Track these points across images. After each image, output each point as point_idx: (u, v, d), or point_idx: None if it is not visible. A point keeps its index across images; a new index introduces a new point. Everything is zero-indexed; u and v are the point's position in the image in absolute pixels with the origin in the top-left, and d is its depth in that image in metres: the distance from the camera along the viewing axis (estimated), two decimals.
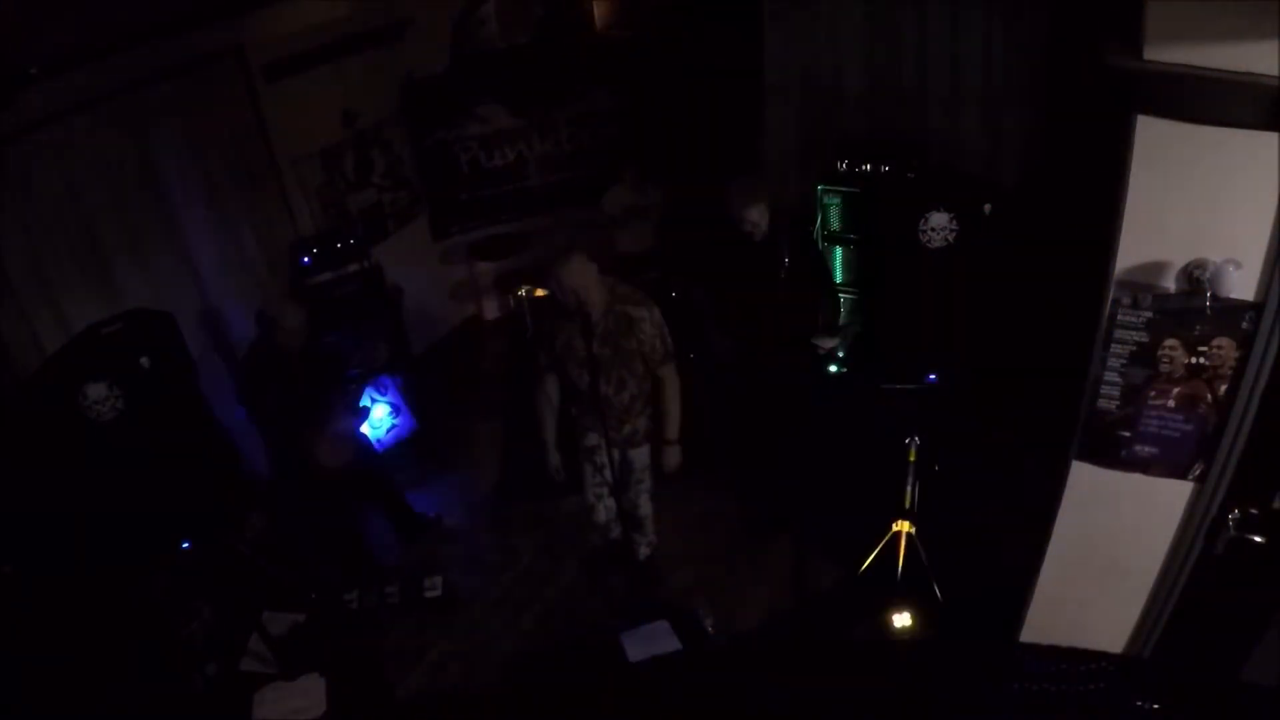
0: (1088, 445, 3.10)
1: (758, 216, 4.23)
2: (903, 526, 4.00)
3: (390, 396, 5.43)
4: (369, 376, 4.44)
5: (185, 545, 4.14)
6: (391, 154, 6.04)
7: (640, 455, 4.09)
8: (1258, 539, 2.98)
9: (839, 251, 5.30)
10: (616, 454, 3.95)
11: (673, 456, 4.02)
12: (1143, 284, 2.75)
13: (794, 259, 4.37)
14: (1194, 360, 2.79)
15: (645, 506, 4.27)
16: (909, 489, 3.96)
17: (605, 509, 4.28)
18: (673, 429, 3.97)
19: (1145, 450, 3.01)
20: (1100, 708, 3.30)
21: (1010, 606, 3.67)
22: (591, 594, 4.54)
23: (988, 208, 4.50)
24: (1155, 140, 2.57)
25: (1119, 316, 2.82)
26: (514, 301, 6.59)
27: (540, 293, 5.69)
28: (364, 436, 4.67)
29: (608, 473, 3.97)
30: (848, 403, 5.24)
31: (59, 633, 3.53)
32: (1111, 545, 3.27)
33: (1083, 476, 3.17)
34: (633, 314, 3.73)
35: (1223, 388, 2.80)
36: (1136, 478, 3.07)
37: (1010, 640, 3.67)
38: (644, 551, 4.45)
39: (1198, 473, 2.98)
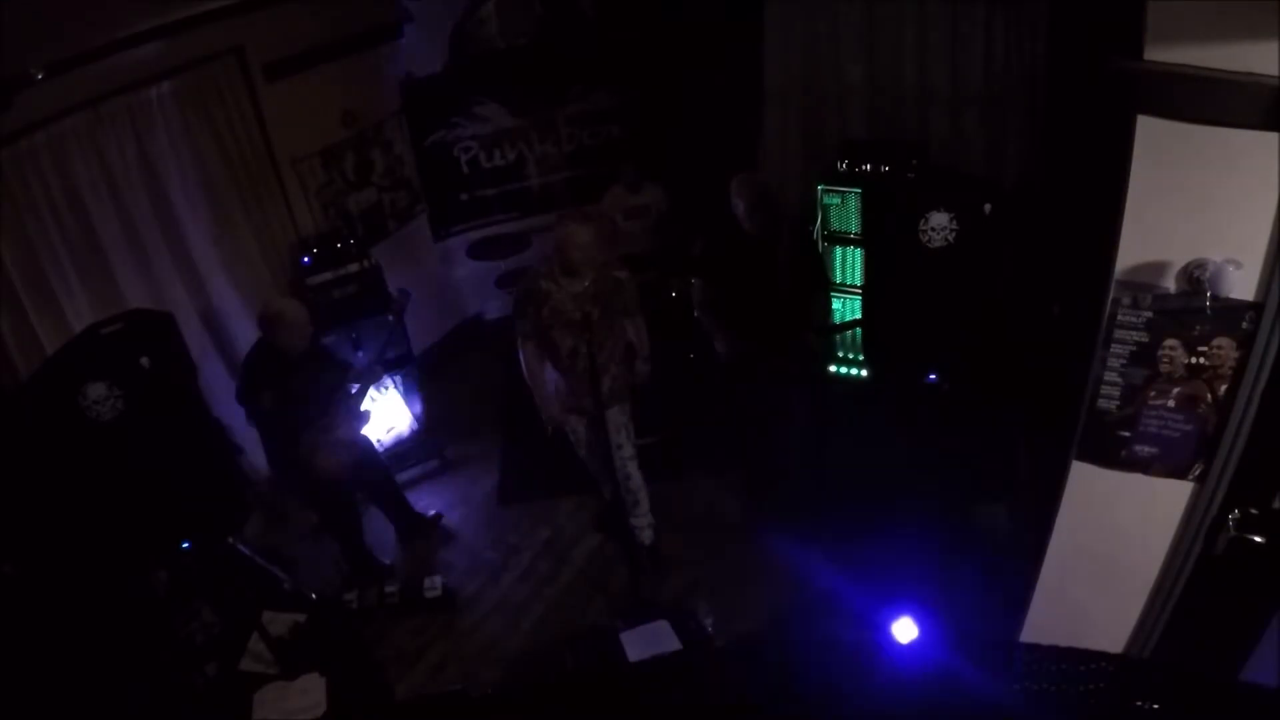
0: (1088, 445, 3.10)
1: (759, 212, 4.23)
2: (901, 525, 3.99)
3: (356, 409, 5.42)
4: (366, 390, 4.46)
5: (185, 545, 4.13)
6: (391, 154, 6.04)
7: (614, 415, 4.21)
8: (1258, 539, 2.98)
9: (839, 251, 5.30)
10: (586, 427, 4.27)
11: (643, 366, 4.34)
12: (1143, 284, 2.76)
13: (794, 259, 4.38)
14: (1194, 360, 2.79)
15: (636, 476, 4.36)
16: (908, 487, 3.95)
17: (591, 460, 4.49)
18: (644, 348, 4.31)
19: (1145, 450, 3.01)
20: (1100, 707, 3.31)
21: (1010, 607, 3.68)
22: (592, 594, 4.55)
23: (988, 208, 4.49)
24: (1155, 140, 2.57)
25: (1119, 316, 2.82)
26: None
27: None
28: (365, 438, 4.66)
29: (590, 441, 4.38)
30: (848, 402, 5.24)
31: (59, 633, 3.53)
32: (1111, 545, 3.27)
33: (1083, 476, 3.18)
34: (618, 275, 4.10)
35: (1223, 388, 2.80)
36: (1136, 478, 3.07)
37: (1010, 640, 3.67)
38: (647, 535, 4.47)
39: (1198, 473, 2.98)
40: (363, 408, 4.44)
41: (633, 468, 4.34)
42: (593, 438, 4.34)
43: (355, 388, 4.38)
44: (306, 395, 4.19)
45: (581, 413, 4.25)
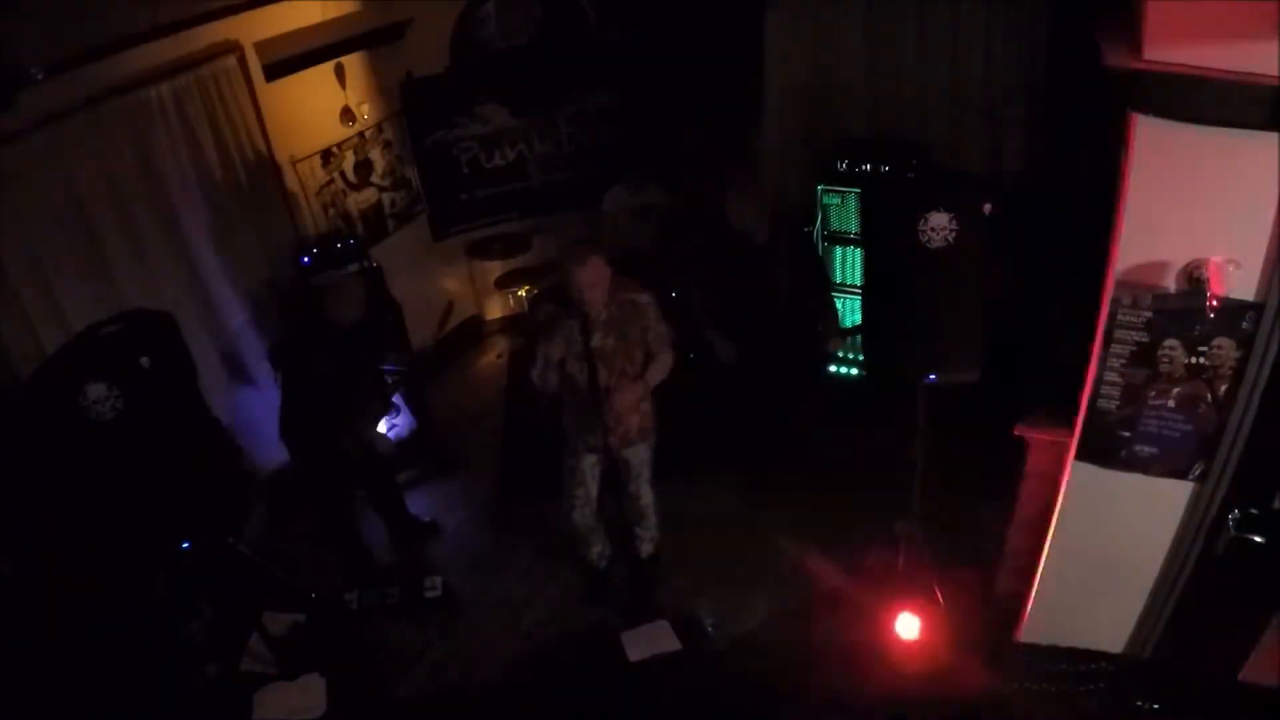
0: (1088, 445, 3.10)
1: (755, 220, 4.24)
2: (904, 526, 3.99)
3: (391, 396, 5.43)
4: (401, 377, 4.50)
5: (185, 545, 4.13)
6: (391, 154, 6.05)
7: (637, 452, 4.09)
8: (1258, 539, 2.99)
9: (839, 251, 5.30)
10: (602, 465, 4.01)
11: (633, 392, 3.81)
12: (1143, 284, 2.76)
13: (794, 260, 4.38)
14: (1194, 360, 2.79)
15: (646, 495, 4.27)
16: (912, 488, 3.96)
17: (581, 515, 4.26)
18: (650, 376, 3.85)
19: (1145, 450, 3.01)
20: (1100, 708, 3.31)
21: (1010, 606, 3.68)
22: (591, 596, 4.54)
23: (988, 208, 4.49)
24: (1155, 140, 2.57)
25: (1119, 316, 2.83)
26: (516, 302, 6.61)
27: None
28: (381, 434, 4.67)
29: (590, 489, 4.11)
30: (848, 402, 5.25)
31: (59, 633, 3.53)
32: (1111, 545, 3.27)
33: (1083, 476, 3.18)
34: (637, 300, 3.79)
35: (1223, 388, 2.80)
36: (1136, 478, 3.07)
37: (1010, 640, 3.67)
38: (646, 549, 4.45)
39: (1198, 473, 2.98)
40: (391, 400, 4.45)
41: (647, 487, 4.25)
42: (595, 484, 4.14)
43: (391, 377, 4.40)
44: (343, 370, 4.20)
45: (592, 450, 4.02)
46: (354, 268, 4.80)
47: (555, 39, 6.26)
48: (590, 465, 4.08)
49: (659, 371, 3.88)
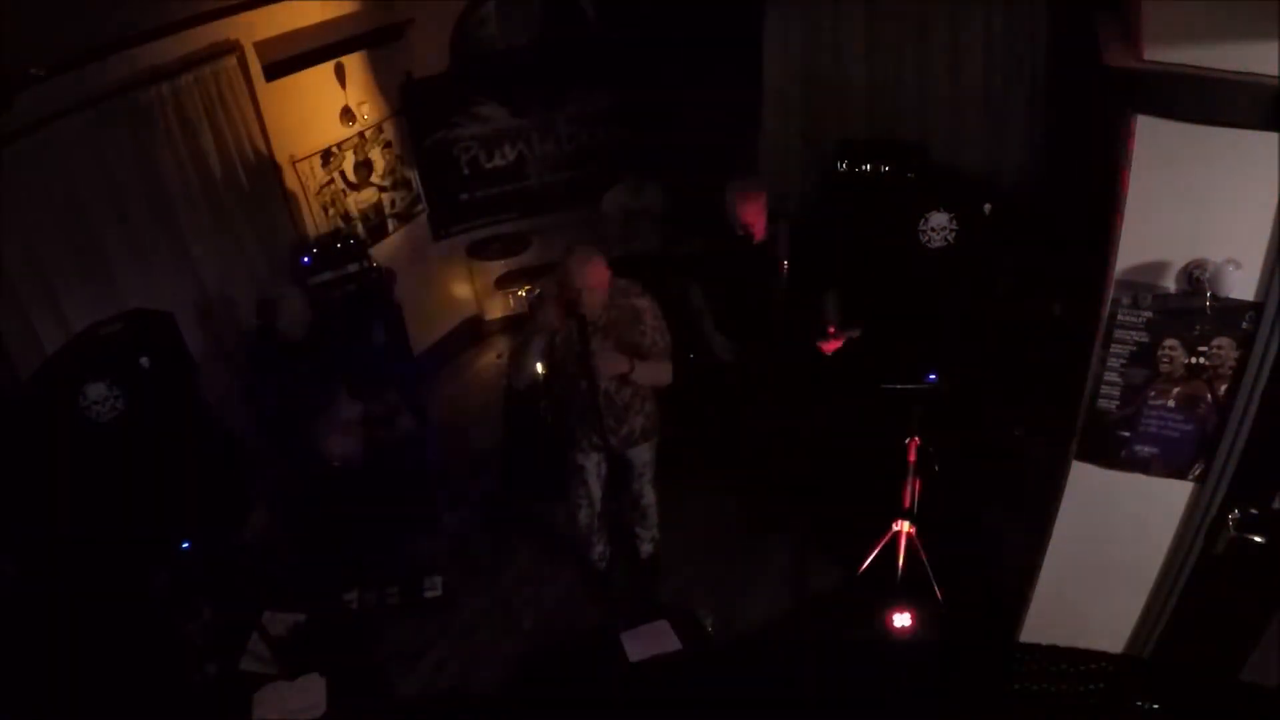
0: (1088, 445, 3.10)
1: (754, 218, 4.24)
2: (902, 526, 4.00)
3: (390, 396, 5.43)
4: (371, 361, 4.48)
5: (185, 545, 4.13)
6: (391, 154, 6.05)
7: (640, 453, 4.09)
8: (1258, 539, 2.99)
9: (839, 252, 5.28)
10: (606, 464, 4.01)
11: (619, 363, 3.63)
12: (1143, 284, 2.76)
13: (793, 260, 4.37)
14: (1194, 360, 2.79)
15: (649, 495, 4.28)
16: (909, 488, 3.96)
17: (586, 515, 4.27)
18: (638, 372, 3.69)
19: (1145, 450, 3.01)
20: (1100, 708, 3.31)
21: (1010, 606, 3.68)
22: (591, 596, 4.55)
23: (988, 208, 4.49)
24: (1155, 140, 2.57)
25: (1119, 316, 2.83)
26: (516, 302, 6.61)
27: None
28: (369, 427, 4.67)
29: (594, 488, 4.11)
30: (848, 402, 5.24)
31: (60, 632, 3.53)
32: (1111, 545, 3.27)
33: (1083, 476, 3.18)
34: (637, 304, 3.73)
35: (1223, 388, 2.80)
36: (1136, 478, 3.07)
37: (1010, 640, 3.67)
38: (647, 549, 4.45)
39: (1198, 473, 2.98)
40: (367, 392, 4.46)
41: (649, 488, 4.24)
42: (600, 484, 4.14)
43: (358, 375, 4.41)
44: (309, 385, 4.19)
45: (597, 449, 3.99)
46: (294, 291, 4.65)
47: (555, 39, 6.26)
48: (595, 464, 4.09)
49: (649, 372, 3.76)
